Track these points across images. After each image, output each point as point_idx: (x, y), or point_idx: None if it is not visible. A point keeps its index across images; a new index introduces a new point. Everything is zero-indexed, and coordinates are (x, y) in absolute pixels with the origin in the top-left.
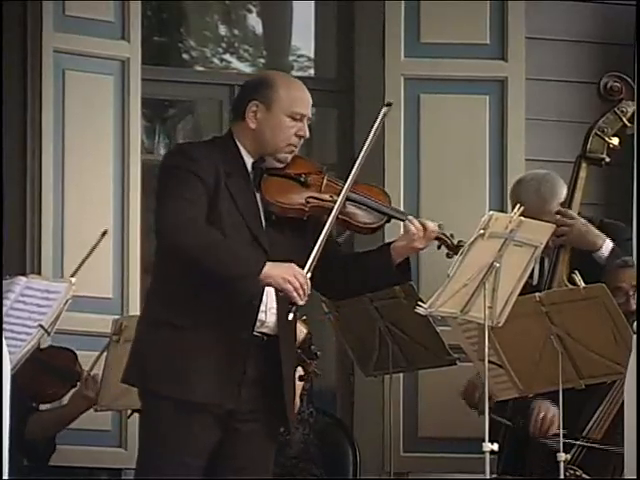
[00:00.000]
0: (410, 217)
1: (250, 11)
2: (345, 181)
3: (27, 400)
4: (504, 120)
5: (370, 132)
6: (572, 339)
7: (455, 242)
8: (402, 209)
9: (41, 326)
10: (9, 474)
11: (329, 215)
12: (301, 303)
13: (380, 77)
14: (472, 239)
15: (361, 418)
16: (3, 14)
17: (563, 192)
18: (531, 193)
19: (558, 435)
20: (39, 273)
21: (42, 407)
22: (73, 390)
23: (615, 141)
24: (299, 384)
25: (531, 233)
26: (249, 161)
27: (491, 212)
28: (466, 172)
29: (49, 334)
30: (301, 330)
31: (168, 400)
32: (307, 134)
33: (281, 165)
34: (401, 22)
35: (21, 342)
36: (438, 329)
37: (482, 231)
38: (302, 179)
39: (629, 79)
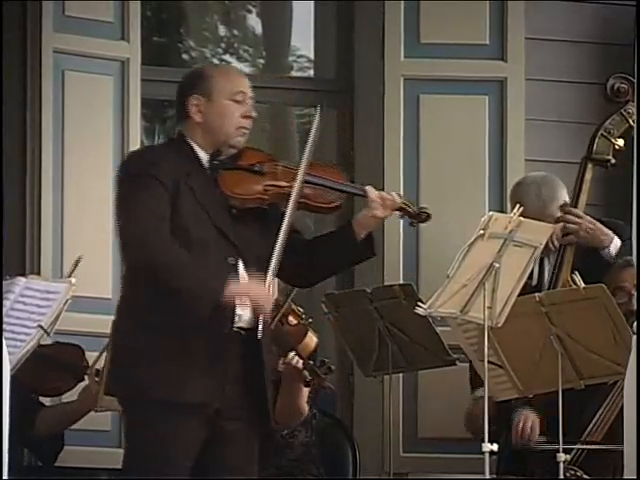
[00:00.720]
0: (367, 188)
1: (250, 11)
2: (299, 164)
3: (34, 397)
4: (504, 121)
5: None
6: (572, 339)
7: (417, 210)
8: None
9: (41, 326)
10: (9, 474)
11: (287, 200)
12: (268, 311)
13: (380, 77)
14: (472, 240)
15: (361, 418)
16: (3, 14)
17: (563, 195)
18: (532, 196)
19: (541, 442)
20: (39, 273)
21: (50, 403)
22: (82, 385)
23: (621, 142)
24: (305, 390)
25: (531, 233)
26: (205, 157)
27: (491, 212)
28: (466, 172)
29: (49, 334)
30: (312, 339)
31: (157, 404)
32: (254, 114)
33: (235, 151)
34: (401, 22)
35: (21, 342)
36: (438, 329)
37: (482, 231)
38: (257, 168)
39: (635, 80)
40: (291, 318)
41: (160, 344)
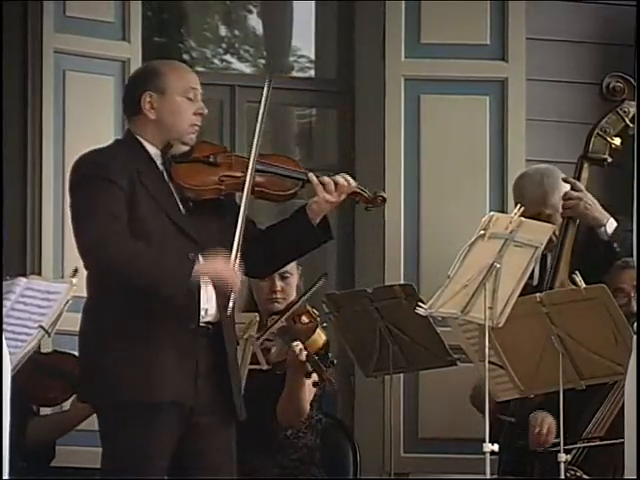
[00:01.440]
0: (309, 174)
1: (250, 12)
2: (250, 154)
3: (28, 404)
4: (504, 121)
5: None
6: (573, 340)
7: (372, 194)
8: (307, 171)
9: (41, 327)
10: (9, 474)
11: (243, 189)
12: (237, 287)
13: (380, 78)
14: (472, 240)
15: (361, 419)
16: (3, 14)
17: (565, 186)
18: (534, 186)
19: (557, 444)
20: (39, 274)
21: (43, 412)
22: (74, 396)
23: (617, 141)
24: (312, 390)
25: (531, 234)
26: (156, 153)
27: (491, 213)
28: (466, 173)
29: (49, 335)
30: (320, 336)
31: (129, 406)
32: (205, 110)
33: (188, 148)
34: (401, 22)
35: (21, 343)
36: (438, 330)
37: (482, 232)
38: (211, 159)
39: (631, 79)
40: (304, 318)
41: (127, 345)
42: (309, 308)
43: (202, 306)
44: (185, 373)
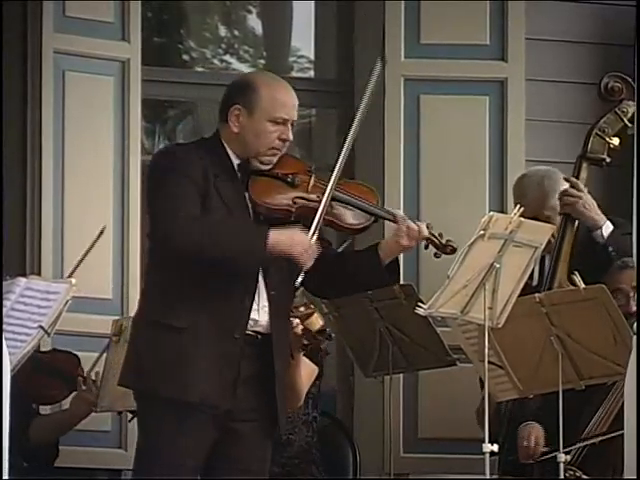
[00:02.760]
0: (397, 214)
1: (250, 12)
2: (329, 179)
3: (30, 404)
4: (504, 121)
5: (349, 133)
6: (572, 340)
7: (443, 241)
8: (392, 209)
9: (41, 327)
10: (9, 474)
11: (316, 212)
12: (309, 265)
13: (380, 78)
14: (472, 240)
15: (361, 419)
16: (3, 14)
17: (566, 187)
18: (534, 187)
19: (546, 453)
20: (39, 274)
21: (44, 412)
22: (73, 394)
23: (616, 141)
24: (306, 372)
25: (531, 234)
26: (236, 162)
27: (491, 213)
28: (466, 173)
29: (49, 335)
30: (317, 320)
31: (166, 401)
32: (290, 137)
33: (265, 167)
34: (401, 23)
35: (21, 343)
36: (438, 330)
37: (482, 232)
38: (289, 179)
39: (630, 79)
40: (302, 308)
41: (171, 341)
42: (306, 300)
43: (252, 316)
44: (224, 378)
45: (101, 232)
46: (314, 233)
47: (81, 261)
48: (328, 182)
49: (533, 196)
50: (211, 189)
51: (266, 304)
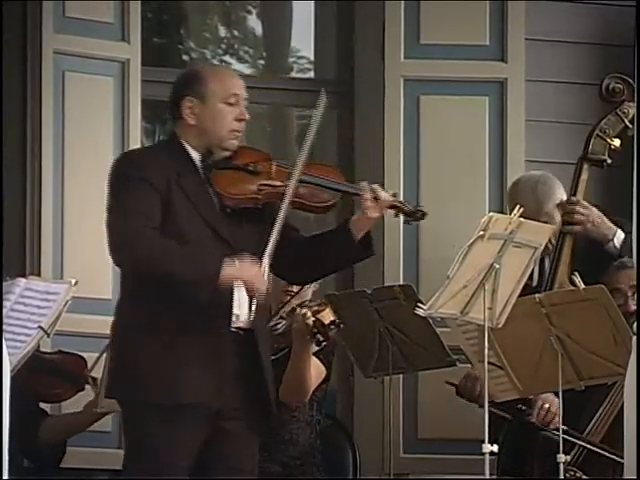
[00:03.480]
0: (362, 185)
1: (250, 12)
2: (295, 164)
3: (39, 405)
4: (504, 121)
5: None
6: (572, 340)
7: (412, 208)
8: (357, 182)
9: (41, 327)
10: (9, 474)
11: (282, 200)
12: (263, 290)
13: (380, 78)
14: (472, 240)
15: (361, 419)
16: (3, 14)
17: (560, 193)
18: (528, 194)
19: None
20: (39, 274)
21: (51, 412)
22: (82, 395)
23: (617, 142)
24: (315, 372)
25: (531, 234)
26: (197, 157)
27: (491, 213)
28: (466, 173)
29: (49, 335)
30: (329, 314)
31: (156, 406)
32: (247, 116)
33: (229, 153)
34: (401, 23)
35: (21, 343)
36: (438, 330)
37: (482, 232)
38: (251, 168)
39: (630, 80)
40: (313, 304)
41: (158, 346)
42: (320, 301)
43: (234, 311)
44: (211, 376)
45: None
46: (270, 252)
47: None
48: (291, 167)
49: (528, 203)
50: (174, 188)
51: (246, 298)
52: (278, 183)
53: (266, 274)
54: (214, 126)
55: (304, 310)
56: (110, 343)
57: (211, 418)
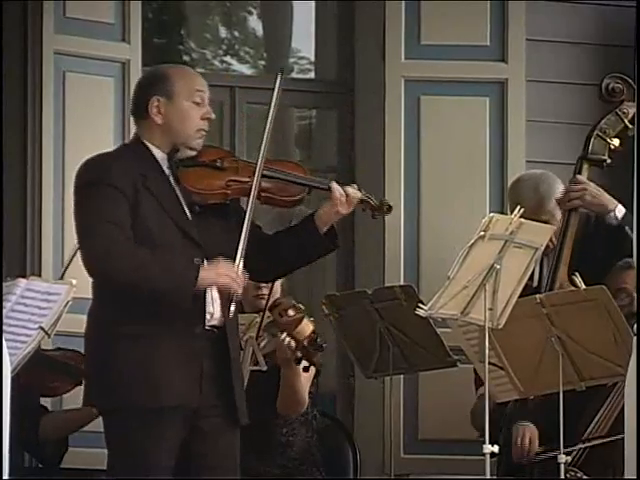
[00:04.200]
0: (332, 184)
1: (250, 13)
2: (257, 159)
3: (39, 401)
4: (504, 122)
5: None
6: (572, 341)
7: (378, 202)
8: (323, 178)
9: (41, 328)
10: (9, 474)
11: (249, 195)
12: (240, 292)
13: (380, 79)
14: (472, 241)
15: (361, 420)
16: (3, 15)
17: (560, 191)
18: (530, 192)
19: (540, 454)
20: (39, 275)
21: (50, 406)
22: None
23: (616, 142)
24: (305, 375)
25: (531, 235)
26: (162, 157)
27: (491, 214)
28: (466, 174)
29: (49, 336)
30: (308, 325)
31: (135, 411)
32: (213, 115)
33: (195, 153)
34: (401, 24)
35: (21, 344)
36: (438, 331)
37: (482, 233)
38: (218, 164)
39: (630, 80)
40: (290, 311)
41: (132, 349)
42: (294, 302)
43: (207, 310)
44: (190, 376)
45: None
46: (241, 257)
47: (67, 267)
48: (256, 163)
49: (529, 202)
50: (140, 190)
51: (217, 295)
52: (246, 179)
53: (241, 273)
54: (181, 125)
55: (283, 336)
56: (84, 349)
57: (189, 417)
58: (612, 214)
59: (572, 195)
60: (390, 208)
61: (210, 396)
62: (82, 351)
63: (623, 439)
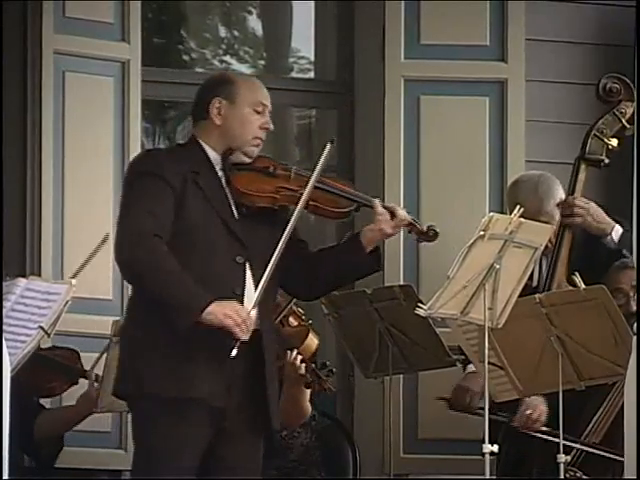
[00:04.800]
0: (375, 201)
1: (250, 13)
2: (312, 171)
3: (33, 399)
4: (504, 121)
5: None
6: (572, 340)
7: (425, 228)
8: (371, 196)
9: (41, 327)
10: (9, 474)
11: (297, 203)
12: (244, 338)
13: (380, 78)
14: (472, 240)
15: (361, 419)
16: (3, 14)
17: (560, 192)
18: (528, 194)
19: (542, 432)
20: (39, 274)
21: (49, 406)
22: (76, 388)
23: (614, 142)
24: (307, 391)
25: (531, 234)
26: (216, 157)
27: (491, 213)
28: (466, 173)
29: (49, 335)
30: (313, 340)
31: (165, 401)
32: (271, 126)
33: (248, 160)
34: (401, 23)
35: (21, 344)
36: (438, 330)
37: (482, 232)
38: (270, 170)
39: (628, 80)
40: (292, 319)
41: (166, 342)
42: (295, 309)
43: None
44: (218, 375)
45: (104, 240)
46: (259, 296)
47: (83, 267)
48: (308, 175)
49: (528, 203)
50: (190, 185)
51: (253, 296)
52: (295, 187)
53: (251, 317)
54: (240, 129)
55: (294, 355)
56: (120, 342)
57: (215, 417)
58: (609, 237)
59: (575, 211)
60: (436, 234)
61: (239, 400)
62: (82, 354)
63: (621, 436)
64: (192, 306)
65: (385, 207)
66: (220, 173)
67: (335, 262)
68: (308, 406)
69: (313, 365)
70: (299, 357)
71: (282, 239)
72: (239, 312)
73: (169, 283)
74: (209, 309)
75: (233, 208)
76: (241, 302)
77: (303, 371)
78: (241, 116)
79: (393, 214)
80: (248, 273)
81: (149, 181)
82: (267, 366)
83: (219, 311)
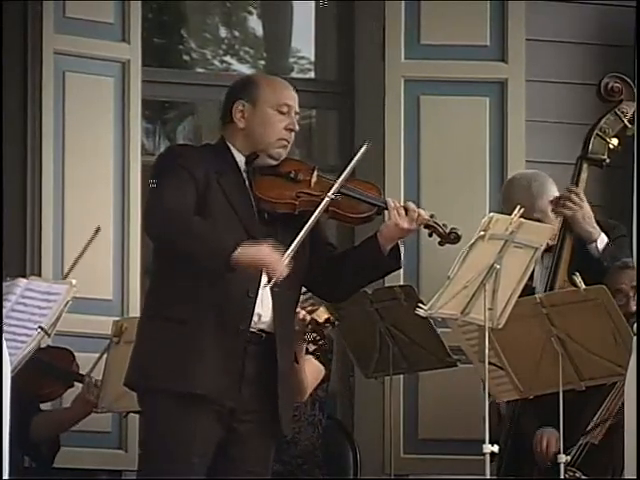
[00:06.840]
0: (387, 199)
1: (250, 13)
2: (338, 177)
3: (31, 401)
4: (504, 122)
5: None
6: (572, 341)
7: (447, 230)
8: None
9: (41, 328)
10: (9, 474)
11: (317, 206)
12: (278, 274)
13: (380, 79)
14: (472, 241)
15: (361, 420)
16: (3, 15)
17: (553, 190)
18: (522, 191)
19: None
20: (39, 275)
21: (45, 407)
22: (76, 393)
23: (615, 142)
24: (310, 370)
25: (531, 235)
26: (241, 159)
27: (491, 214)
28: (466, 173)
29: (49, 336)
30: (323, 312)
31: (172, 396)
32: (297, 127)
33: (275, 162)
34: (401, 23)
35: (21, 344)
36: (438, 331)
37: (482, 233)
38: (292, 175)
39: (629, 80)
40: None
41: (179, 338)
42: (312, 301)
43: (256, 310)
44: (229, 374)
45: (96, 232)
46: (294, 249)
47: (77, 261)
48: (331, 178)
49: (522, 201)
50: (213, 185)
51: (269, 300)
52: (317, 193)
53: (286, 261)
54: (263, 131)
55: (298, 309)
56: (137, 329)
57: (225, 418)
58: (594, 245)
59: (568, 204)
60: (458, 237)
61: (250, 400)
62: (82, 354)
63: (621, 436)
64: (224, 246)
65: (390, 199)
66: (245, 176)
67: (354, 262)
68: (307, 382)
69: (318, 321)
70: (304, 313)
71: (302, 232)
72: (272, 252)
73: (201, 232)
74: (241, 250)
75: (255, 212)
76: (253, 305)
77: (307, 319)
78: (263, 118)
79: (407, 210)
80: (264, 277)
81: (175, 171)
82: (280, 371)
83: (254, 249)
